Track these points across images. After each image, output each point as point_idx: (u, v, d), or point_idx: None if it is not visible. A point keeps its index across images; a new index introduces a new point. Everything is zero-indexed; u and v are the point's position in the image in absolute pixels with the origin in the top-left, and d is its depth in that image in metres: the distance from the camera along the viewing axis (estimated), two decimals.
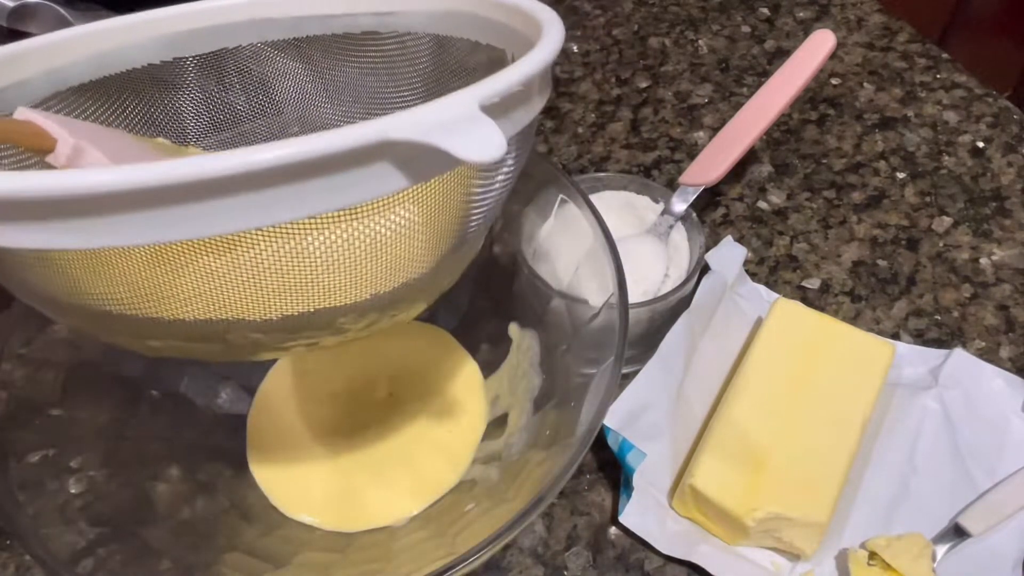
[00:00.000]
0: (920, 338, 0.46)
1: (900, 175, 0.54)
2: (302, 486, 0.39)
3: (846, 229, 0.51)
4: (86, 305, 0.23)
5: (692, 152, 0.56)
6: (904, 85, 0.60)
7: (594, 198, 0.39)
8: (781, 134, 0.57)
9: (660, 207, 0.46)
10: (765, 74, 0.61)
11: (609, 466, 0.41)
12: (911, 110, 0.58)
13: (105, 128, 0.32)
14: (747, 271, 0.48)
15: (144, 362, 0.38)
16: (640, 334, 0.42)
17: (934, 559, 0.36)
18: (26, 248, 0.18)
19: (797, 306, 0.42)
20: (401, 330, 0.45)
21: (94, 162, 0.24)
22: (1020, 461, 0.38)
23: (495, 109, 0.20)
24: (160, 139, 0.35)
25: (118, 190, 0.17)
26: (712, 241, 0.47)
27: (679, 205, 0.45)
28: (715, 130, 0.55)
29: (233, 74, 0.35)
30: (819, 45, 0.45)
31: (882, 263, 0.49)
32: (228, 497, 0.38)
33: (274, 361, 0.44)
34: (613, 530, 0.39)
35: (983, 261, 0.49)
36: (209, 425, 0.40)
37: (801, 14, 0.66)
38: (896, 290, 0.48)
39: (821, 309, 0.47)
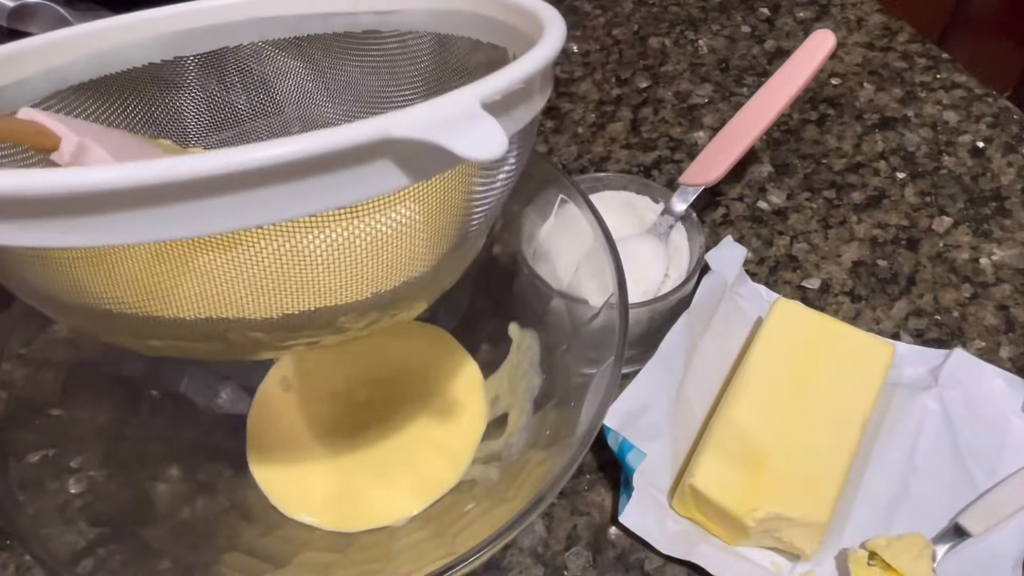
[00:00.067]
0: (920, 338, 0.46)
1: (900, 175, 0.54)
2: (302, 486, 0.39)
3: (846, 229, 0.51)
4: (87, 304, 0.23)
5: (692, 152, 0.56)
6: (904, 85, 0.60)
7: (594, 198, 0.39)
8: (781, 134, 0.57)
9: (660, 207, 0.46)
10: (765, 74, 0.61)
11: (609, 466, 0.41)
12: (911, 110, 0.58)
13: (108, 128, 0.32)
14: (747, 271, 0.48)
15: (144, 362, 0.38)
16: (640, 334, 0.42)
17: (934, 559, 0.36)
18: (28, 246, 0.18)
19: (797, 306, 0.42)
20: (401, 330, 0.45)
21: (98, 160, 0.24)
22: (1020, 461, 0.38)
23: (497, 107, 0.20)
24: (163, 140, 0.35)
25: (120, 187, 0.17)
26: (712, 241, 0.47)
27: (679, 205, 0.45)
28: (715, 130, 0.55)
29: (234, 73, 0.35)
30: (819, 45, 0.45)
31: (882, 263, 0.49)
32: (228, 497, 0.38)
33: (274, 361, 0.44)
34: (613, 530, 0.39)
35: (983, 261, 0.49)
36: (209, 425, 0.40)
37: (801, 14, 0.66)
38: (896, 290, 0.48)
39: (821, 309, 0.47)
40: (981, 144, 0.55)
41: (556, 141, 0.58)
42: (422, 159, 0.19)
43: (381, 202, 0.22)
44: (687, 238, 0.44)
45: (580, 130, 0.58)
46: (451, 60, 0.33)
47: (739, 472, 0.36)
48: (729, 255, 0.44)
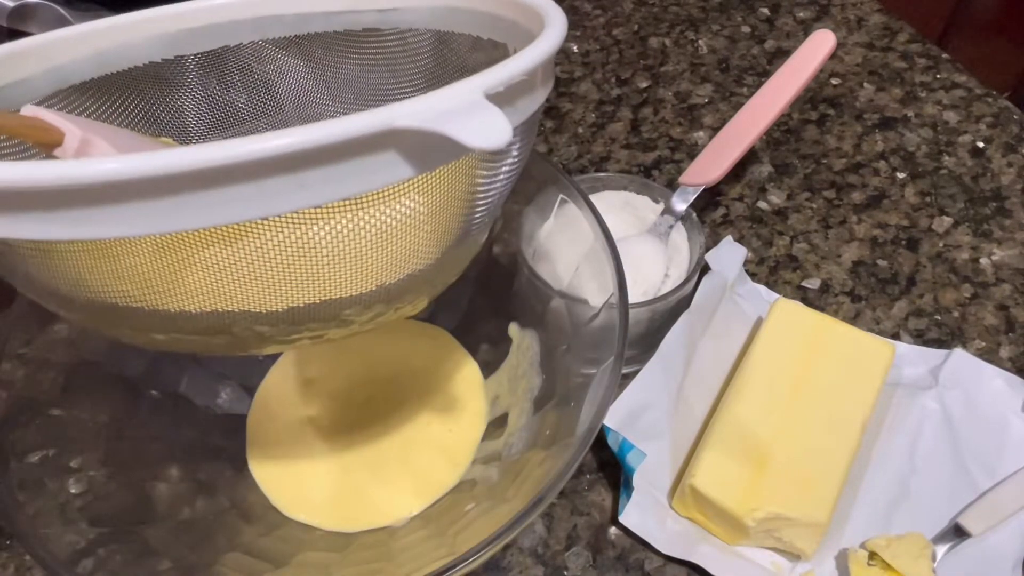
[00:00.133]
0: (920, 338, 0.46)
1: (900, 175, 0.54)
2: (302, 486, 0.39)
3: (846, 229, 0.51)
4: (91, 298, 0.23)
5: (692, 152, 0.56)
6: (904, 85, 0.60)
7: (594, 198, 0.39)
8: (781, 134, 0.57)
9: (660, 207, 0.46)
10: (765, 74, 0.61)
11: (609, 466, 0.41)
12: (911, 110, 0.58)
13: (111, 126, 0.32)
14: (747, 271, 0.48)
15: (144, 362, 0.38)
16: (640, 334, 0.42)
17: (934, 559, 0.36)
18: (32, 239, 0.18)
19: (797, 306, 0.42)
20: (401, 330, 0.45)
21: (103, 154, 0.24)
22: (1020, 461, 0.38)
23: (500, 98, 0.20)
24: (165, 138, 0.35)
25: (125, 179, 0.17)
26: (712, 241, 0.47)
27: (679, 205, 0.45)
28: (715, 130, 0.55)
29: (234, 72, 0.35)
30: (819, 45, 0.45)
31: (882, 263, 0.49)
32: (228, 497, 0.38)
33: (274, 361, 0.44)
34: (613, 530, 0.39)
35: (983, 261, 0.49)
36: (209, 425, 0.40)
37: (801, 14, 0.66)
38: (896, 290, 0.48)
39: (821, 309, 0.47)
40: (981, 144, 0.55)
41: (556, 141, 0.58)
42: (427, 149, 0.19)
43: (386, 193, 0.22)
44: (687, 238, 0.44)
45: (580, 130, 0.58)
46: (451, 57, 0.33)
47: (739, 472, 0.36)
48: (729, 255, 0.44)
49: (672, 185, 0.47)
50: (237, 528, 0.36)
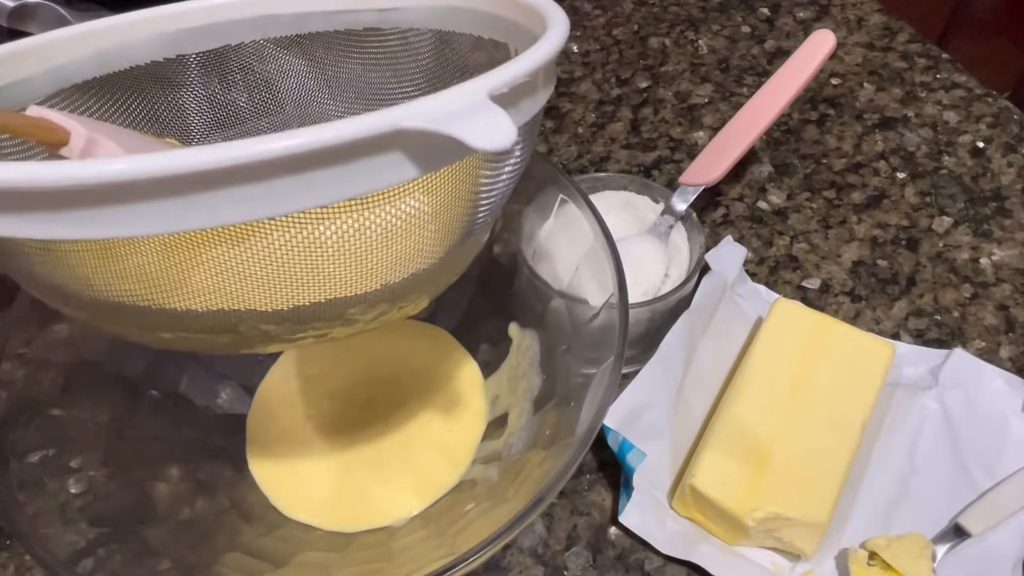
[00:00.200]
0: (920, 338, 0.46)
1: (900, 175, 0.54)
2: (302, 486, 0.39)
3: (846, 229, 0.51)
4: (97, 297, 0.23)
5: (692, 152, 0.56)
6: (904, 85, 0.60)
7: (594, 198, 0.39)
8: (781, 134, 0.57)
9: (660, 207, 0.46)
10: (765, 74, 0.61)
11: (609, 466, 0.41)
12: (911, 110, 0.58)
13: (116, 126, 0.32)
14: (747, 271, 0.48)
15: (144, 362, 0.38)
16: (640, 334, 0.42)
17: (934, 559, 0.36)
18: (39, 239, 0.18)
19: (797, 306, 0.42)
20: (401, 330, 0.45)
21: (109, 153, 0.24)
22: (1020, 461, 0.38)
23: (504, 99, 0.20)
24: (169, 139, 0.35)
25: (134, 179, 0.17)
26: (712, 241, 0.47)
27: (679, 205, 0.45)
28: (715, 130, 0.55)
29: (236, 71, 0.35)
30: (819, 45, 0.45)
31: (882, 263, 0.49)
32: (228, 497, 0.38)
33: (274, 361, 0.44)
34: (613, 530, 0.39)
35: (983, 261, 0.49)
36: (209, 425, 0.40)
37: (801, 14, 0.66)
38: (896, 290, 0.48)
39: (821, 309, 0.47)
40: (981, 144, 0.55)
41: (556, 141, 0.58)
42: (432, 150, 0.19)
43: (391, 193, 0.22)
44: (687, 238, 0.44)
45: (580, 130, 0.58)
46: (452, 57, 0.33)
47: (739, 472, 0.36)
48: (729, 255, 0.44)
49: (672, 185, 0.47)
50: (237, 528, 0.36)
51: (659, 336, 0.40)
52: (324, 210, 0.21)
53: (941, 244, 0.50)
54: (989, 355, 0.45)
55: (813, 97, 0.59)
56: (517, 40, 0.29)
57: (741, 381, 0.39)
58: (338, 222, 0.22)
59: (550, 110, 0.60)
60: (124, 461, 0.35)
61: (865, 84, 0.60)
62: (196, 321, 0.24)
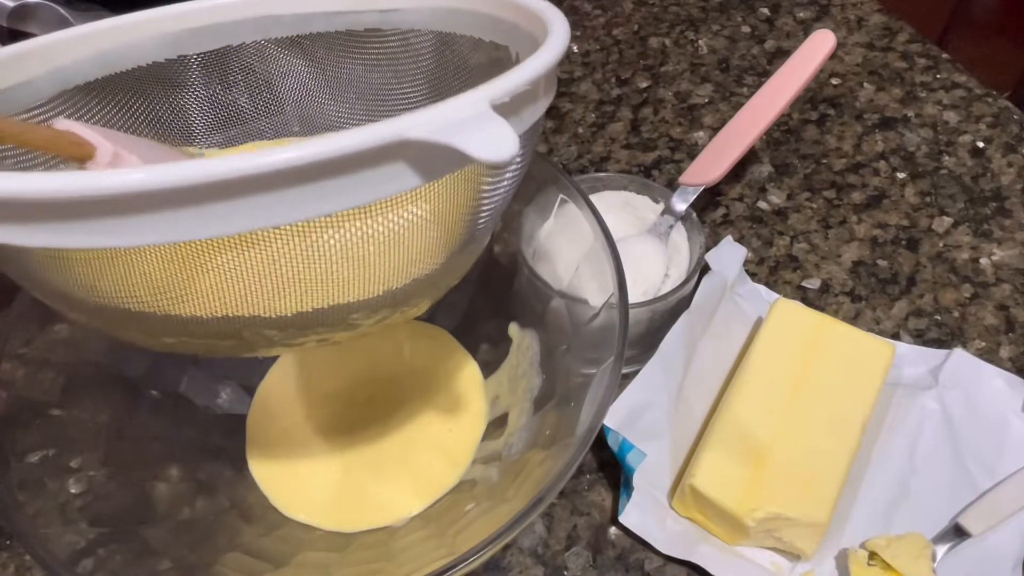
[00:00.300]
0: (920, 338, 0.46)
1: (900, 175, 0.54)
2: (302, 486, 0.39)
3: (846, 229, 0.51)
4: (103, 303, 0.24)
5: (692, 152, 0.56)
6: (904, 85, 0.60)
7: (594, 198, 0.39)
8: (781, 134, 0.57)
9: (660, 207, 0.46)
10: (765, 74, 0.61)
11: (609, 466, 0.41)
12: (911, 110, 0.58)
13: (141, 139, 0.32)
14: (747, 271, 0.48)
15: (144, 362, 0.38)
16: (640, 334, 0.42)
17: (934, 559, 0.36)
18: (52, 247, 0.18)
19: (797, 306, 0.42)
20: (401, 330, 0.45)
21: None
22: (1020, 461, 0.38)
23: (505, 108, 0.20)
24: (191, 148, 0.35)
25: (147, 190, 0.17)
26: (712, 241, 0.47)
27: (679, 205, 0.45)
28: (715, 130, 0.55)
29: (237, 72, 0.35)
30: (819, 45, 0.45)
31: (882, 263, 0.49)
32: (228, 497, 0.38)
33: (274, 361, 0.44)
34: (613, 530, 0.39)
35: (983, 261, 0.49)
36: (209, 425, 0.40)
37: (801, 14, 0.66)
38: (896, 290, 0.48)
39: (821, 309, 0.47)
40: (981, 144, 0.55)
41: (556, 141, 0.58)
42: (435, 160, 0.20)
43: (394, 201, 0.22)
44: (687, 238, 0.44)
45: (580, 130, 0.58)
46: (453, 58, 0.33)
47: (739, 472, 0.36)
48: (729, 255, 0.44)
49: (672, 185, 0.47)
50: (237, 528, 0.36)
51: (659, 336, 0.40)
52: (329, 218, 0.21)
53: (941, 244, 0.50)
54: (989, 355, 0.45)
55: (813, 97, 0.59)
56: (517, 43, 0.29)
57: (741, 381, 0.39)
58: (342, 229, 0.22)
59: (550, 110, 0.59)
60: (124, 461, 0.35)
61: (865, 84, 0.60)
62: (200, 327, 0.24)
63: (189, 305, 0.24)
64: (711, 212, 0.52)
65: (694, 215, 0.45)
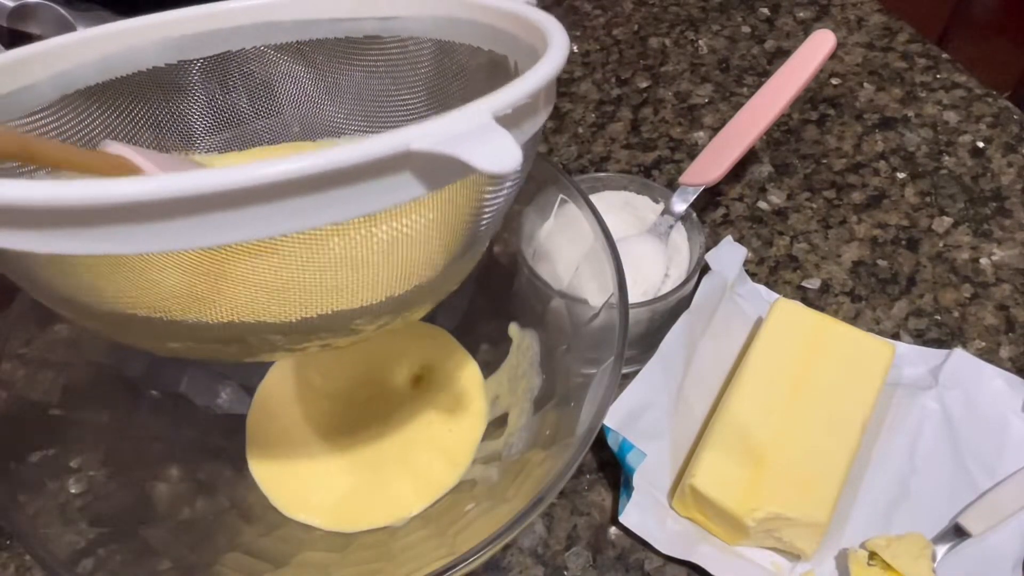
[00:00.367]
0: (920, 338, 0.46)
1: (900, 175, 0.54)
2: (302, 486, 0.39)
3: (846, 229, 0.51)
4: (108, 309, 0.24)
5: (692, 152, 0.56)
6: (904, 85, 0.60)
7: (594, 198, 0.39)
8: (781, 134, 0.57)
9: (660, 207, 0.46)
10: (765, 74, 0.61)
11: (609, 466, 0.41)
12: (911, 110, 0.58)
13: (186, 160, 0.33)
14: (747, 271, 0.48)
15: (144, 362, 0.38)
16: (640, 334, 0.42)
17: (934, 559, 0.36)
18: (61, 254, 0.18)
19: (797, 306, 0.42)
20: (401, 330, 0.45)
21: None
22: (1020, 461, 0.38)
23: (507, 120, 0.21)
24: (195, 156, 0.35)
25: (158, 199, 0.17)
26: (712, 241, 0.47)
27: (679, 205, 0.45)
28: (715, 130, 0.55)
29: (237, 77, 0.35)
30: (819, 45, 0.45)
31: (882, 263, 0.49)
32: (228, 497, 0.38)
33: (274, 361, 0.44)
34: (613, 530, 0.39)
35: (983, 261, 0.49)
36: (209, 425, 0.40)
37: (801, 14, 0.66)
38: (896, 290, 0.48)
39: (821, 309, 0.47)
40: (981, 144, 0.55)
41: (556, 141, 0.58)
42: (439, 170, 0.20)
43: (398, 210, 0.22)
44: (687, 238, 0.45)
45: (580, 130, 0.58)
46: (451, 66, 0.33)
47: (739, 472, 0.36)
48: (729, 255, 0.44)
49: (672, 185, 0.47)
50: (237, 528, 0.36)
51: (659, 336, 0.40)
52: (334, 227, 0.22)
53: (941, 244, 0.50)
54: (989, 355, 0.45)
55: (813, 97, 0.59)
56: (517, 53, 0.29)
57: (741, 381, 0.39)
58: (347, 237, 0.22)
59: None
60: (124, 461, 0.35)
61: (865, 84, 0.60)
62: (207, 333, 0.25)
63: (197, 311, 0.24)
64: (711, 212, 0.52)
65: (694, 215, 0.45)
